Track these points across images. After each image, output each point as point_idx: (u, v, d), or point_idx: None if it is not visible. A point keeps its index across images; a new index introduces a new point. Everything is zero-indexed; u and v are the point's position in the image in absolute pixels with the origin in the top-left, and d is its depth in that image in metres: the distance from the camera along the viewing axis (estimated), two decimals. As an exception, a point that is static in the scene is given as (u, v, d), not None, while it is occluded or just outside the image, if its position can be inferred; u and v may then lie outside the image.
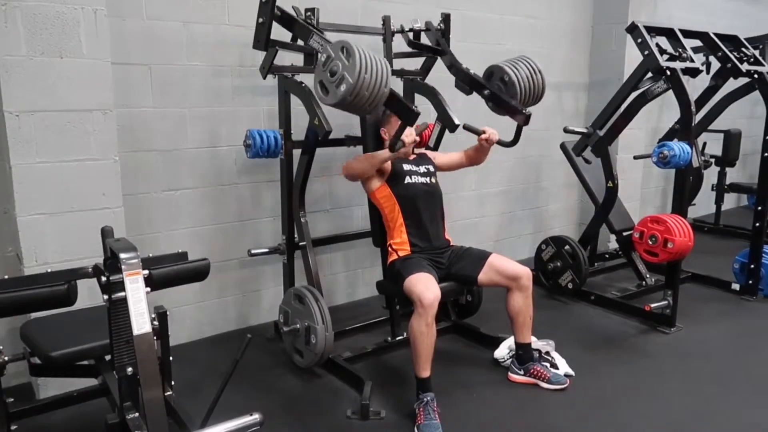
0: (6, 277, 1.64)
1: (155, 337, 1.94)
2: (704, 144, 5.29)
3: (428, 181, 2.79)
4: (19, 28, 2.27)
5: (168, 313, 2.00)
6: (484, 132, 2.82)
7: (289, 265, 3.05)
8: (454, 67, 3.05)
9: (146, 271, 1.54)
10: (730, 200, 6.29)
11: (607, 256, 4.39)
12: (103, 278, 1.51)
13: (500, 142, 2.91)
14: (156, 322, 1.91)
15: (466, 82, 2.97)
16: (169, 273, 1.74)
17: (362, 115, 2.50)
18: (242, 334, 3.24)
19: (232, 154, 3.15)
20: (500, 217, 4.53)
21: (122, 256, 1.45)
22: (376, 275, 3.65)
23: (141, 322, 1.42)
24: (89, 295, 2.28)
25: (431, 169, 2.85)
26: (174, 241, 3.01)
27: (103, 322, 1.77)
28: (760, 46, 4.67)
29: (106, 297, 1.52)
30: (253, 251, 3.03)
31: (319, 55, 2.40)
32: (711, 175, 5.52)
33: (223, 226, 3.19)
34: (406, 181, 2.72)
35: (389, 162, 2.70)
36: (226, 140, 3.12)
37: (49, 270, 1.65)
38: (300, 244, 3.00)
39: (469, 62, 3.81)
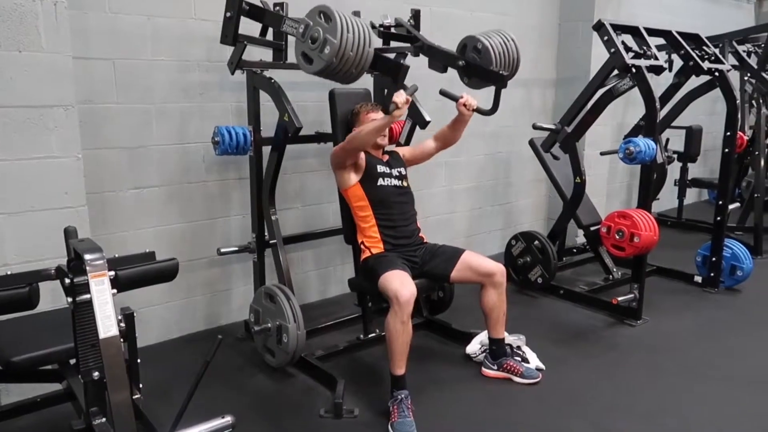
0: (-37, 280, 1.57)
1: (122, 340, 1.90)
2: (667, 140, 5.41)
3: (400, 184, 2.78)
4: (-27, 20, 2.17)
5: (135, 314, 1.95)
6: (461, 96, 2.76)
7: (259, 263, 3.01)
8: (425, 46, 2.94)
9: (112, 273, 1.49)
10: (691, 195, 6.45)
11: (575, 250, 4.46)
12: (67, 280, 1.45)
13: (479, 110, 2.83)
14: (122, 324, 1.85)
15: (440, 59, 2.88)
16: (136, 274, 1.69)
17: (348, 82, 2.39)
18: (211, 335, 3.23)
19: (200, 151, 3.08)
20: (470, 213, 4.56)
21: (87, 257, 1.40)
22: (347, 272, 3.64)
23: (107, 325, 1.38)
24: (52, 297, 2.21)
25: (403, 172, 2.83)
26: (140, 241, 2.94)
27: (66, 325, 1.72)
28: (720, 45, 4.82)
29: (70, 299, 1.47)
30: (222, 250, 2.98)
31: (296, 29, 2.33)
32: (674, 171, 5.66)
33: (191, 224, 3.13)
34: (378, 183, 2.70)
35: (364, 158, 2.68)
36: (193, 137, 3.05)
37: (9, 272, 1.58)
38: (270, 242, 2.96)
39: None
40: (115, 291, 1.47)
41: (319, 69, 2.21)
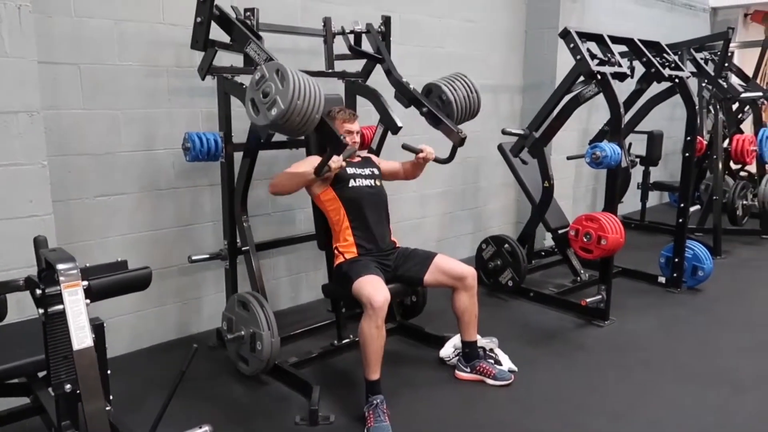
0: (-74, 292, 1.52)
1: (92, 350, 1.87)
2: (630, 144, 5.56)
3: (373, 184, 2.80)
4: (-68, 24, 2.11)
5: (105, 324, 1.91)
6: (421, 151, 2.92)
7: (231, 271, 2.99)
8: (392, 77, 3.04)
9: (85, 282, 1.46)
10: (653, 197, 6.63)
11: (543, 253, 4.55)
12: (38, 291, 1.42)
13: (436, 159, 3.00)
14: (92, 335, 1.82)
15: (406, 95, 2.98)
16: (109, 283, 1.66)
17: (293, 137, 2.51)
18: (183, 343, 3.19)
19: (170, 158, 3.04)
20: (441, 218, 4.60)
21: (60, 267, 1.37)
22: (319, 278, 3.63)
23: (81, 337, 1.36)
24: (17, 308, 2.15)
25: (376, 172, 2.86)
26: (109, 250, 2.88)
27: (33, 337, 1.67)
28: (679, 52, 4.98)
29: (41, 311, 1.43)
30: (193, 257, 2.95)
31: (255, 64, 2.37)
32: (636, 174, 5.82)
33: (161, 232, 3.08)
34: (350, 185, 2.72)
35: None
36: (162, 143, 3.01)
37: (-25, 284, 1.54)
38: (243, 249, 2.93)
39: (409, 65, 3.87)
40: (88, 301, 1.45)
41: (263, 124, 2.25)
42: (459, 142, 2.83)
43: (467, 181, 4.73)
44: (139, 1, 2.85)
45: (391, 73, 3.04)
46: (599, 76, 3.28)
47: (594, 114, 5.50)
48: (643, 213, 5.83)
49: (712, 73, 4.82)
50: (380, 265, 2.69)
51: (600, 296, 3.44)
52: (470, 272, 2.72)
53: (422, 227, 4.46)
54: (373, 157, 2.98)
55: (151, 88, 2.94)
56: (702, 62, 4.95)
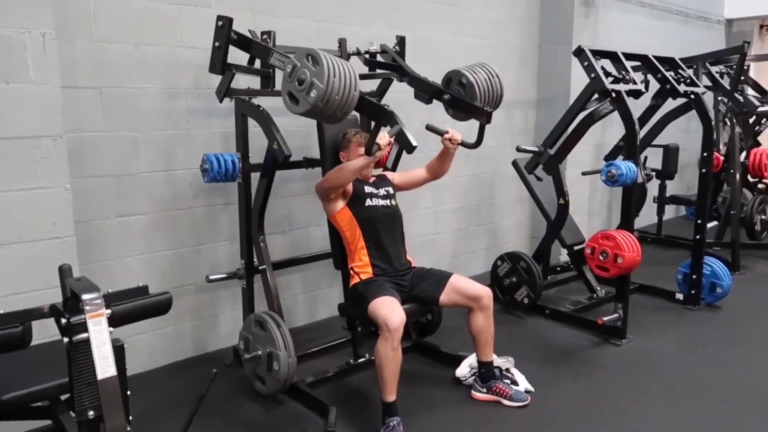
0: (-46, 320, 1.55)
1: (112, 372, 1.89)
2: (645, 158, 5.54)
3: (388, 204, 2.82)
4: (-40, 52, 2.17)
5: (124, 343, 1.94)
6: (447, 131, 2.83)
7: (248, 290, 3.01)
8: (412, 78, 3.02)
9: (108, 311, 1.49)
10: (669, 210, 6.58)
11: (558, 269, 4.52)
12: (63, 320, 1.44)
13: (464, 143, 2.89)
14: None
15: (425, 91, 2.95)
16: (131, 309, 1.68)
17: (334, 122, 2.43)
18: (200, 361, 3.21)
19: (188, 178, 3.08)
20: (456, 234, 4.60)
21: (84, 297, 1.40)
22: (335, 295, 3.65)
23: (105, 366, 1.38)
24: (39, 330, 2.19)
25: (390, 191, 2.87)
26: (128, 269, 2.93)
27: (55, 360, 1.70)
28: (694, 66, 4.96)
29: (66, 339, 1.46)
30: (211, 277, 2.98)
31: (283, 67, 2.37)
32: (652, 188, 5.78)
33: (179, 251, 3.12)
34: (366, 204, 2.74)
35: (351, 183, 2.71)
36: (181, 163, 3.06)
37: (1, 311, 1.57)
38: (259, 268, 2.96)
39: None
40: (111, 329, 1.47)
41: (304, 110, 2.24)
42: (486, 118, 2.74)
43: (482, 196, 4.73)
44: (159, 25, 2.90)
45: (409, 75, 3.00)
46: (614, 94, 3.27)
47: (609, 128, 5.48)
48: (660, 227, 5.78)
49: (728, 87, 4.78)
50: (395, 285, 2.70)
51: (617, 314, 3.42)
52: (486, 293, 2.72)
53: (436, 243, 4.46)
54: (389, 175, 3.00)
55: (169, 109, 2.99)
56: (717, 76, 4.91)
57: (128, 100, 2.86)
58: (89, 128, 2.76)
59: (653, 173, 5.54)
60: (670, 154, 5.48)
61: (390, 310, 2.44)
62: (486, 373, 2.78)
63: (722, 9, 7.14)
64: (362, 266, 2.73)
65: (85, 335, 1.42)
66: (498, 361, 2.94)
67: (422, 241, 4.32)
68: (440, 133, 2.84)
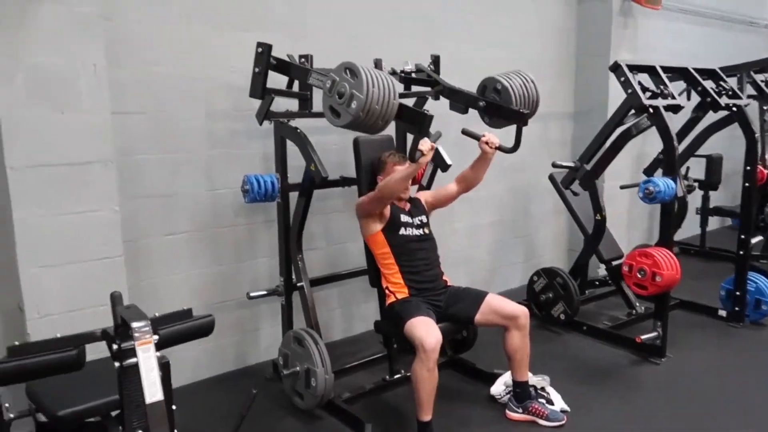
0: (17, 343, 1.66)
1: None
2: (687, 168, 5.41)
3: (422, 233, 2.85)
4: (21, 85, 2.30)
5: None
6: (483, 135, 2.82)
7: (287, 306, 3.09)
8: (447, 89, 3.02)
9: (156, 336, 1.57)
10: (714, 221, 6.41)
11: (597, 283, 4.45)
12: (114, 346, 1.54)
13: (501, 148, 2.86)
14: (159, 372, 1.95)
15: (460, 100, 2.95)
16: (176, 333, 1.78)
17: (375, 132, 2.43)
18: (241, 375, 3.31)
19: (229, 197, 3.19)
20: (492, 247, 4.60)
21: (134, 325, 1.49)
22: (371, 310, 3.70)
23: (153, 391, 1.46)
24: (90, 347, 2.31)
25: (424, 220, 2.90)
26: (173, 285, 3.05)
27: (106, 378, 1.79)
28: (738, 75, 4.83)
29: (117, 364, 1.55)
30: (251, 294, 3.07)
31: (323, 84, 2.42)
32: (695, 199, 5.64)
33: (221, 267, 3.23)
34: (400, 232, 2.78)
35: (389, 207, 2.75)
36: (223, 183, 3.16)
37: (58, 335, 1.67)
38: (298, 285, 3.03)
39: (458, 99, 3.91)
40: (158, 354, 1.55)
41: (346, 122, 2.29)
42: (523, 120, 2.73)
43: (517, 209, 4.72)
44: (203, 51, 3.01)
45: (445, 88, 3.02)
46: (651, 110, 3.24)
47: (649, 138, 5.34)
48: (703, 238, 5.64)
49: (774, 97, 4.65)
50: (431, 304, 2.73)
51: (656, 333, 3.36)
52: (522, 312, 2.73)
53: (473, 257, 4.47)
54: (422, 197, 3.01)
55: (212, 131, 3.10)
56: (763, 85, 4.78)
57: (173, 124, 2.98)
58: (137, 151, 2.89)
59: (695, 184, 5.41)
60: (714, 164, 5.36)
61: (426, 331, 2.47)
62: (521, 392, 2.78)
63: (768, 13, 6.93)
64: (398, 286, 2.77)
65: (134, 360, 1.50)
66: (533, 379, 2.94)
67: (459, 256, 4.34)
68: (476, 137, 2.82)
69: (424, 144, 2.49)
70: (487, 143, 2.80)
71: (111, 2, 2.68)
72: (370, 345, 3.58)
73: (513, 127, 2.89)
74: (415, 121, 2.48)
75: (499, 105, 2.80)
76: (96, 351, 2.35)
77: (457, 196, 3.02)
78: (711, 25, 6.14)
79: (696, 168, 5.43)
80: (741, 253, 3.82)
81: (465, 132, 2.87)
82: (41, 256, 2.42)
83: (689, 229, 5.89)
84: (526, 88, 2.85)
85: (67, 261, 2.48)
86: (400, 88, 3.23)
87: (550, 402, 2.86)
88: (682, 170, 5.37)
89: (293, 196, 3.05)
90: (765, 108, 4.99)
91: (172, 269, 3.06)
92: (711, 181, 5.40)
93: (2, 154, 2.32)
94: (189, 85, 3.00)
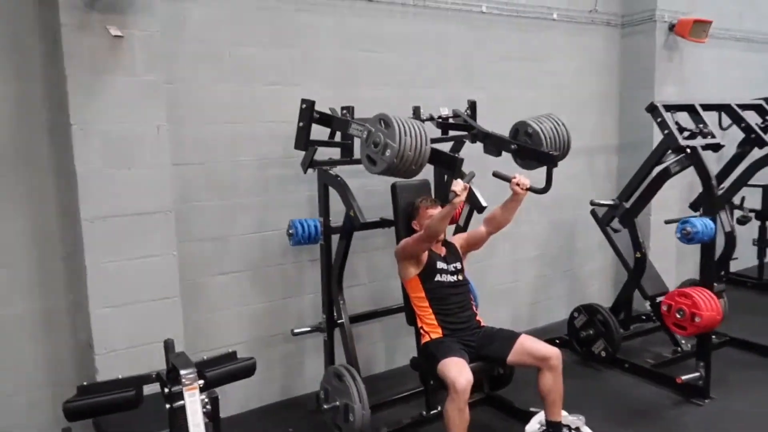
0: (85, 383, 1.91)
1: (208, 420, 2.20)
2: (743, 198, 5.29)
3: (457, 279, 2.97)
4: (95, 146, 2.62)
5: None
6: (514, 177, 2.89)
7: (329, 343, 3.27)
8: (480, 133, 3.16)
9: (201, 381, 1.78)
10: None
11: (644, 318, 4.41)
12: (166, 389, 1.75)
13: (532, 188, 2.92)
14: (209, 406, 2.16)
15: (494, 143, 3.08)
16: (221, 374, 1.98)
17: (410, 176, 2.59)
18: (287, 405, 3.51)
19: (276, 238, 3.41)
20: (535, 281, 4.64)
21: (182, 372, 1.70)
22: (412, 344, 3.79)
23: (197, 431, 1.66)
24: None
25: (459, 266, 3.01)
26: (225, 321, 3.30)
27: (161, 411, 2.02)
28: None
29: (168, 405, 1.76)
30: (296, 330, 3.27)
31: (360, 134, 2.61)
32: (752, 229, 5.48)
33: (269, 304, 3.45)
34: (436, 279, 2.91)
35: (426, 252, 2.90)
36: (271, 225, 3.40)
37: (119, 376, 1.91)
38: (338, 322, 3.21)
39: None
40: (203, 397, 1.76)
41: (382, 169, 2.47)
42: (554, 162, 2.82)
43: (561, 243, 4.75)
44: (254, 104, 3.28)
45: (479, 132, 3.16)
46: (689, 150, 3.26)
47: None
48: (761, 271, 5.46)
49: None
50: (464, 344, 2.84)
51: (698, 373, 3.33)
52: (554, 353, 2.79)
53: (515, 291, 4.53)
54: (457, 243, 3.12)
55: (262, 177, 3.36)
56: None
57: (227, 172, 3.25)
58: (194, 198, 3.17)
59: (751, 214, 5.27)
60: (770, 194, 5.21)
61: (458, 372, 2.59)
62: (554, 432, 2.84)
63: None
64: (432, 327, 2.90)
65: (182, 402, 1.71)
66: (568, 419, 2.97)
67: (501, 289, 4.42)
68: (507, 179, 2.90)
69: (457, 185, 2.62)
70: (518, 185, 2.89)
71: (173, 68, 2.99)
72: (411, 378, 3.68)
73: (545, 168, 2.98)
74: (448, 165, 2.63)
75: (529, 148, 2.91)
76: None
77: (488, 237, 3.10)
78: (764, 51, 5.99)
79: (753, 198, 5.29)
80: (793, 291, 3.72)
81: (496, 174, 2.95)
82: (109, 297, 2.71)
83: (747, 260, 5.72)
84: (556, 131, 2.95)
85: (131, 301, 2.76)
86: (434, 133, 3.41)
87: (584, 443, 2.89)
88: (737, 200, 5.28)
89: (335, 237, 3.24)
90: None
91: (224, 305, 3.31)
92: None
93: (78, 207, 2.63)
94: (242, 138, 3.26)
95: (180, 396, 1.73)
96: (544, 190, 2.95)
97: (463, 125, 3.39)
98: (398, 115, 2.47)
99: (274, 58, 3.32)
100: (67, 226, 2.79)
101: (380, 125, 2.46)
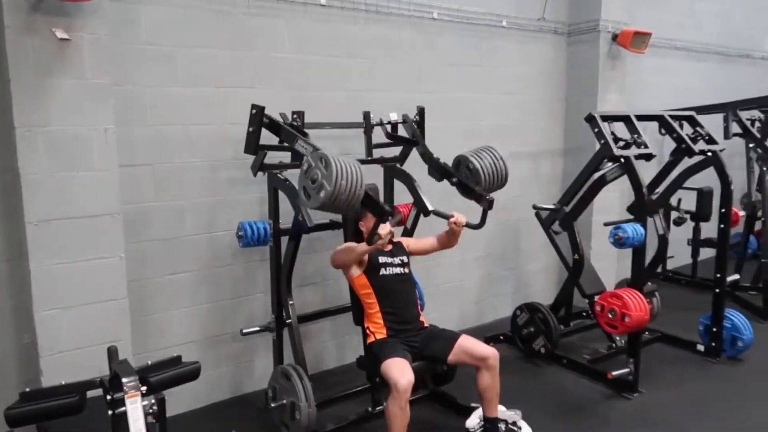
0: (27, 390, 1.94)
1: (155, 421, 2.25)
2: (679, 200, 5.58)
3: (402, 272, 3.09)
4: (41, 150, 2.61)
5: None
6: (452, 216, 3.10)
7: (278, 342, 3.34)
8: (426, 155, 3.34)
9: (144, 387, 1.83)
10: (707, 251, 6.52)
11: (584, 314, 4.64)
12: (108, 396, 1.80)
13: (468, 225, 3.16)
14: (155, 407, 2.21)
15: (437, 171, 3.26)
16: (165, 380, 2.03)
17: (343, 214, 2.78)
18: (236, 402, 3.57)
19: (227, 238, 3.45)
20: (482, 280, 4.81)
21: (124, 380, 1.75)
22: (362, 341, 3.93)
23: (139, 437, 1.72)
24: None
25: (405, 260, 3.14)
26: (175, 320, 3.33)
27: (106, 412, 2.07)
28: (724, 114, 5.00)
29: (110, 411, 1.81)
30: (244, 330, 3.33)
31: (303, 161, 2.71)
32: (689, 230, 5.77)
33: (219, 303, 3.50)
34: (381, 273, 3.02)
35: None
36: (221, 226, 3.44)
37: (63, 382, 1.94)
38: (287, 322, 3.28)
39: (452, 140, 4.20)
40: (145, 403, 1.82)
41: (314, 206, 2.59)
42: (488, 205, 3.03)
43: (507, 243, 4.93)
44: (207, 107, 3.30)
45: (425, 153, 3.32)
46: (622, 160, 3.44)
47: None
48: (695, 269, 5.78)
49: (758, 135, 4.80)
50: (407, 345, 2.96)
51: (628, 369, 3.54)
52: (492, 353, 2.94)
53: (462, 289, 4.69)
54: (404, 242, 3.26)
55: (212, 179, 3.39)
56: (748, 123, 4.94)
57: (177, 173, 3.27)
58: (143, 199, 3.18)
59: (686, 216, 5.56)
60: (704, 197, 5.49)
61: (400, 372, 2.70)
62: (491, 428, 2.99)
63: (767, 45, 7.06)
64: (378, 327, 3.01)
65: (123, 409, 1.77)
66: (506, 414, 3.14)
67: (449, 288, 4.57)
68: (446, 217, 3.13)
69: (383, 229, 2.78)
70: (455, 223, 3.10)
71: (123, 70, 2.99)
72: (360, 375, 3.79)
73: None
74: (375, 212, 2.75)
75: (469, 187, 3.09)
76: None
77: (433, 251, 3.32)
78: (706, 60, 6.30)
79: (689, 200, 5.58)
80: (717, 291, 3.98)
81: (435, 212, 3.18)
82: (54, 299, 2.71)
83: (683, 258, 6.03)
84: (495, 167, 3.10)
85: (77, 303, 2.77)
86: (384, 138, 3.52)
87: (519, 436, 3.06)
88: (675, 202, 5.56)
89: (285, 239, 3.30)
90: (751, 146, 5.12)
91: (173, 306, 3.35)
92: (702, 213, 5.53)
93: (22, 210, 2.62)
94: (193, 139, 3.28)
95: (122, 402, 1.78)
96: (478, 226, 3.20)
97: (409, 140, 3.50)
98: (338, 156, 2.54)
99: (226, 61, 3.35)
100: (11, 229, 2.77)
101: (321, 163, 2.54)
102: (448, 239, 3.24)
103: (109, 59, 2.77)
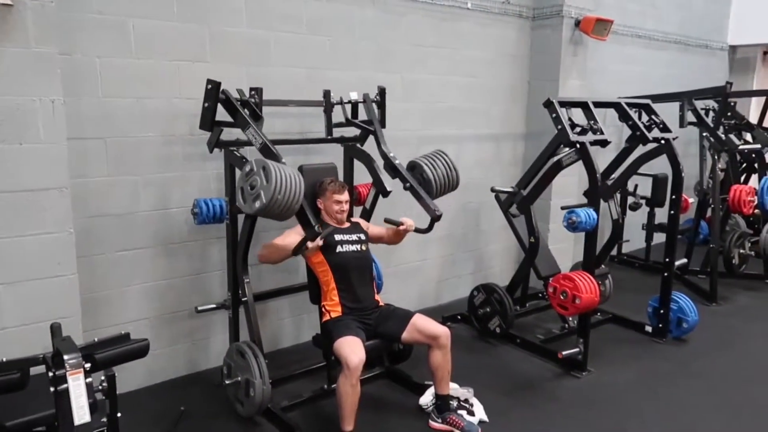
0: (-35, 366, 1.89)
1: (104, 397, 2.23)
2: (636, 186, 5.74)
3: (359, 249, 3.11)
4: (-19, 120, 2.52)
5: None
6: (402, 224, 3.23)
7: (234, 320, 3.33)
8: (381, 149, 3.35)
9: (88, 364, 1.81)
10: (660, 236, 6.72)
11: (540, 295, 4.75)
12: (50, 373, 1.77)
13: (417, 230, 3.30)
14: (105, 384, 2.19)
15: (391, 170, 3.30)
16: (111, 356, 2.01)
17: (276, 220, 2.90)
18: (192, 380, 3.56)
19: (183, 215, 3.40)
20: (442, 260, 4.87)
21: (65, 357, 1.72)
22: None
23: (81, 414, 1.70)
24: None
25: (362, 237, 3.16)
26: (129, 297, 3.28)
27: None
28: (680, 102, 5.13)
29: (52, 388, 1.78)
30: (200, 308, 3.31)
31: (246, 162, 2.72)
32: (644, 214, 5.94)
33: (174, 281, 3.46)
34: (338, 250, 3.03)
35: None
36: (177, 203, 3.38)
37: (4, 359, 1.90)
38: (243, 300, 3.27)
39: (412, 120, 4.21)
40: (90, 380, 1.80)
41: (248, 212, 2.63)
42: (435, 218, 3.14)
43: (468, 225, 4.99)
44: (159, 80, 3.22)
45: (380, 146, 3.33)
46: (578, 145, 3.50)
47: (600, 157, 5.66)
48: (648, 253, 5.96)
49: (711, 124, 4.95)
50: (362, 323, 2.99)
51: (578, 349, 3.65)
52: (443, 332, 2.99)
53: (423, 269, 4.74)
54: (362, 222, 3.28)
55: (167, 155, 3.32)
56: (702, 113, 5.08)
57: (130, 148, 3.19)
58: (95, 174, 3.10)
59: (642, 201, 5.73)
60: (659, 183, 5.65)
61: (351, 350, 2.73)
62: (442, 404, 3.05)
63: (725, 36, 7.23)
64: (333, 305, 3.03)
65: (66, 386, 1.74)
66: (459, 391, 3.22)
67: (409, 267, 4.61)
68: (396, 224, 3.26)
69: (311, 243, 2.87)
70: (405, 230, 3.26)
71: (72, 39, 2.89)
72: (316, 353, 3.80)
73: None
74: (304, 226, 2.81)
75: (420, 197, 3.17)
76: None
77: (382, 243, 3.41)
78: (666, 49, 6.43)
79: (645, 185, 5.73)
80: (665, 275, 4.11)
81: (386, 220, 3.31)
82: (-1, 274, 2.64)
83: (637, 242, 6.21)
84: (447, 177, 3.26)
85: (23, 278, 2.70)
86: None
87: (471, 413, 3.13)
88: (631, 187, 5.71)
89: (241, 217, 3.27)
90: (704, 135, 5.28)
91: (127, 282, 3.29)
92: (656, 199, 5.70)
93: (-37, 182, 2.53)
94: (146, 113, 3.21)
95: (65, 380, 1.75)
96: (426, 231, 3.31)
97: (367, 128, 3.48)
98: (281, 167, 2.57)
99: (181, 33, 3.27)
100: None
101: (262, 172, 2.52)
102: (395, 237, 3.36)
103: (55, 27, 2.66)
